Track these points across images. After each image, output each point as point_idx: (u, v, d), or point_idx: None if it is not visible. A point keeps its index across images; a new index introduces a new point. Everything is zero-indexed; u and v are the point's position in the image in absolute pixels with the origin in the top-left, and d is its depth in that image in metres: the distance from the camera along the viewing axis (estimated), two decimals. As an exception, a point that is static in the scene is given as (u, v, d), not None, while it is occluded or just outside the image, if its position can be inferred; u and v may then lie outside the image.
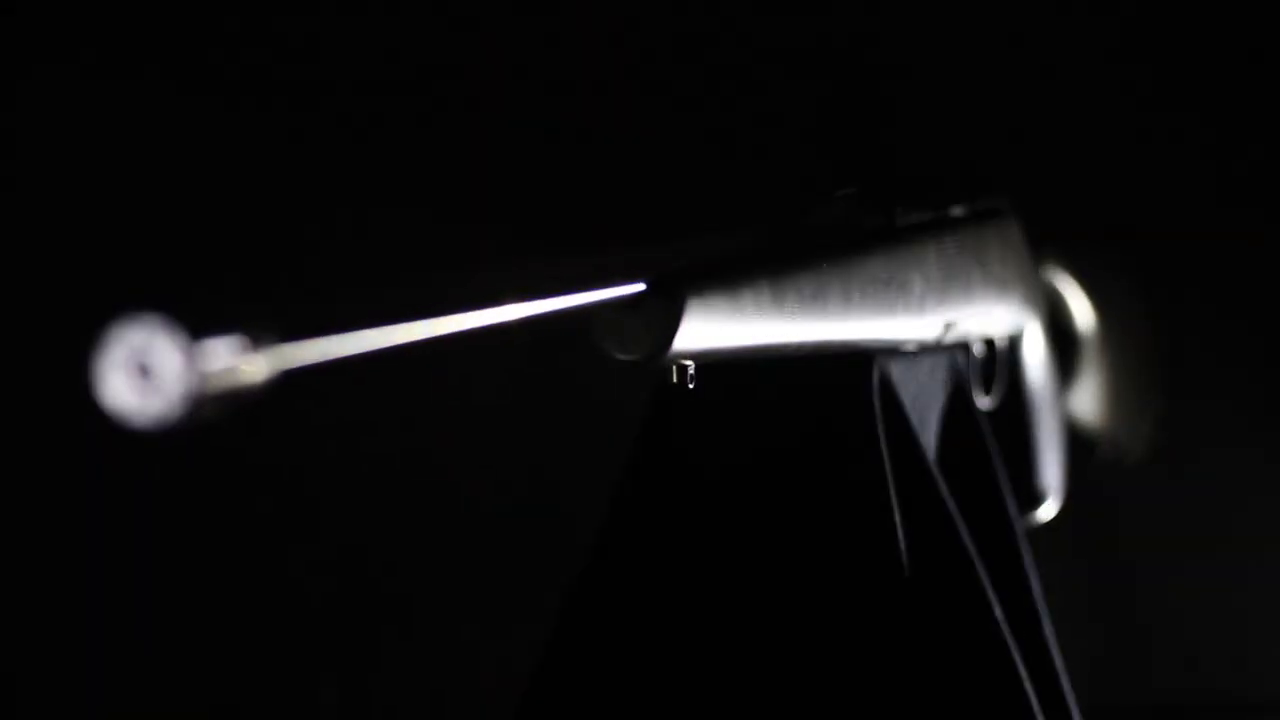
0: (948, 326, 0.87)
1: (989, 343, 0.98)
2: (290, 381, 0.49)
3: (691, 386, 0.68)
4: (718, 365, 0.70)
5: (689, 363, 0.68)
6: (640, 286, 0.64)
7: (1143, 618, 1.37)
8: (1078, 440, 1.15)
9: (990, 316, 0.94)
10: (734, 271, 0.69)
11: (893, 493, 0.82)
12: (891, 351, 0.84)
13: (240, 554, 1.28)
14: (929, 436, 0.89)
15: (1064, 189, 1.29)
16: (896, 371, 0.85)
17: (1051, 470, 1.07)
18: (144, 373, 0.45)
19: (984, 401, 0.97)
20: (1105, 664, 1.33)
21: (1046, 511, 1.06)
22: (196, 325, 0.46)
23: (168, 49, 1.25)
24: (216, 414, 0.46)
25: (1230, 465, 1.35)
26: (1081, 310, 1.14)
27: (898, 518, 0.82)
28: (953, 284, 0.87)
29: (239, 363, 0.46)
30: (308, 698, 1.30)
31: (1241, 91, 1.32)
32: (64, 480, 1.24)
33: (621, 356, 0.66)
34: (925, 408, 0.89)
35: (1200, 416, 1.33)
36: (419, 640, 1.31)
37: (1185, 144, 1.33)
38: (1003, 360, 0.99)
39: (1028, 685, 0.84)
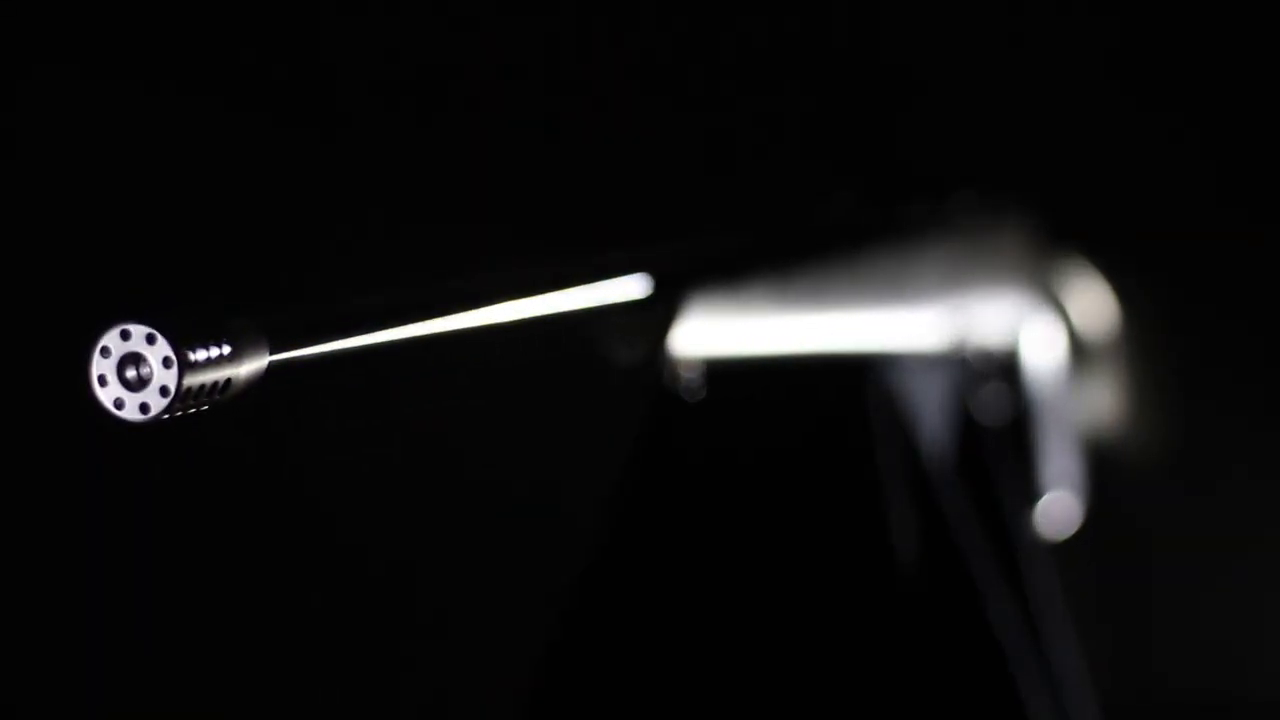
0: (952, 327, 0.87)
1: (994, 344, 0.98)
2: (289, 382, 0.49)
3: (693, 387, 0.68)
4: (719, 366, 0.70)
5: (690, 363, 0.68)
6: (641, 286, 0.64)
7: (1149, 617, 1.36)
8: (1087, 444, 1.15)
9: (995, 316, 0.94)
10: (736, 271, 0.69)
11: (890, 498, 0.82)
12: (893, 354, 0.84)
13: (240, 554, 1.28)
14: (930, 441, 0.89)
15: (1064, 189, 1.29)
16: (898, 375, 0.85)
17: (1065, 479, 1.06)
18: (138, 373, 0.45)
19: (989, 404, 0.96)
20: (1111, 664, 1.33)
21: (1062, 523, 1.06)
22: (193, 325, 0.46)
23: (168, 49, 1.25)
24: (211, 413, 0.46)
25: (1230, 466, 1.35)
26: (1088, 310, 1.14)
27: (895, 523, 0.82)
28: (957, 284, 0.87)
29: (235, 363, 0.46)
30: (308, 698, 1.30)
31: (1241, 91, 1.32)
32: (64, 480, 1.24)
33: (622, 356, 0.66)
34: (927, 411, 0.89)
35: (1200, 417, 1.33)
36: (419, 640, 1.31)
37: (1185, 144, 1.33)
38: (1008, 362, 0.99)
39: (1021, 689, 0.84)
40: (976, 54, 1.31)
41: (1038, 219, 1.03)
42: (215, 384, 0.46)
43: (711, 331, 0.67)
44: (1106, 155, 1.32)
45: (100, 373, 0.45)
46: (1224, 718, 1.35)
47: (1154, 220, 1.31)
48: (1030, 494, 1.04)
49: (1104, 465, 1.19)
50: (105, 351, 0.45)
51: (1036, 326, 1.03)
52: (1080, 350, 1.13)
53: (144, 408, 0.45)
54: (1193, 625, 1.36)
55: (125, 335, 0.45)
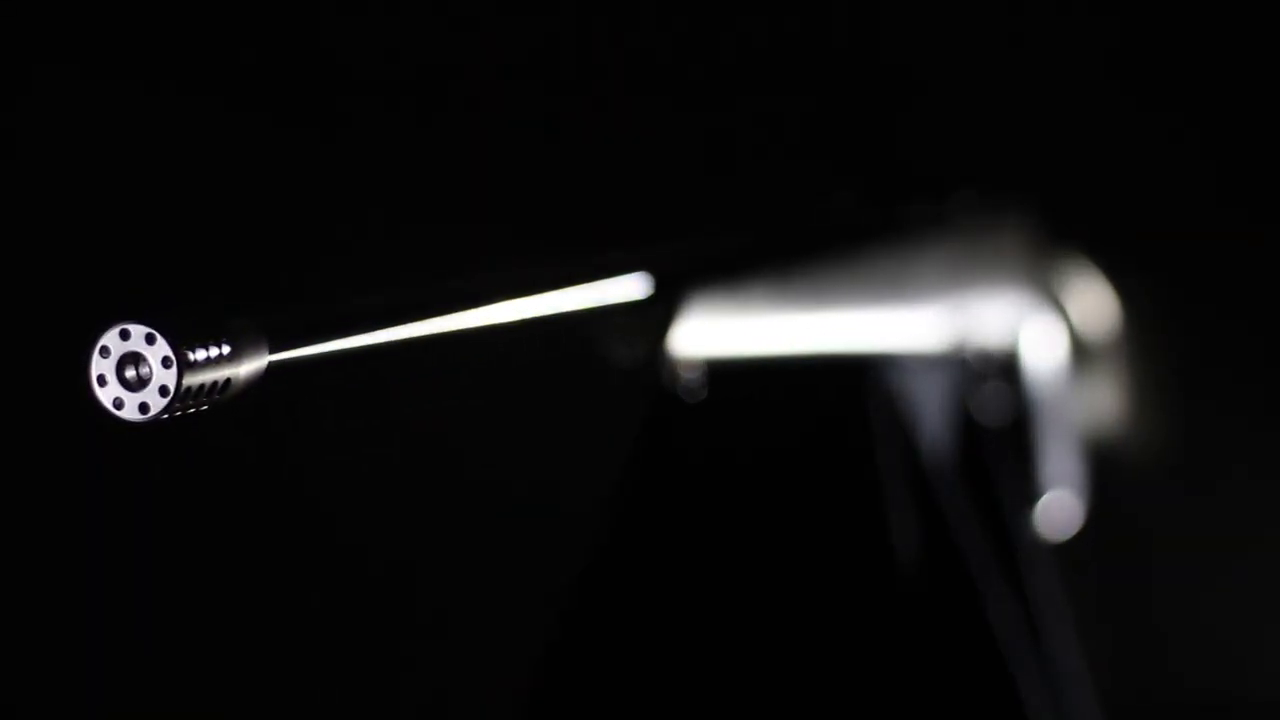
0: (952, 327, 0.87)
1: (994, 344, 0.98)
2: (289, 382, 0.49)
3: (693, 387, 0.68)
4: (720, 366, 0.70)
5: (690, 363, 0.68)
6: (641, 286, 0.64)
7: (1149, 617, 1.36)
8: (1087, 444, 1.15)
9: (995, 316, 0.94)
10: (736, 271, 0.69)
11: (890, 498, 0.82)
12: (893, 355, 0.84)
13: (240, 554, 1.28)
14: (930, 441, 0.89)
15: (1064, 189, 1.29)
16: (898, 375, 0.85)
17: (1065, 479, 1.06)
18: (138, 373, 0.45)
19: (988, 404, 0.96)
20: (1111, 664, 1.33)
21: (1063, 523, 1.06)
22: (193, 325, 0.46)
23: (168, 49, 1.25)
24: (211, 413, 0.46)
25: (1230, 466, 1.35)
26: (1088, 310, 1.14)
27: (895, 523, 0.82)
28: (957, 284, 0.87)
29: (235, 363, 0.46)
30: (308, 698, 1.30)
31: (1241, 91, 1.32)
32: (64, 480, 1.24)
33: (622, 357, 0.66)
34: (927, 411, 0.89)
35: (1200, 417, 1.33)
36: (419, 640, 1.31)
37: (1185, 144, 1.33)
38: (1008, 362, 0.99)
39: (1021, 689, 0.84)
40: (976, 54, 1.31)
41: (1038, 219, 1.03)
42: (215, 384, 0.46)
43: (711, 331, 0.67)
44: (1106, 155, 1.32)
45: (100, 373, 0.45)
46: (1224, 718, 1.35)
47: (1154, 220, 1.31)
48: (1030, 494, 1.04)
49: (1104, 465, 1.18)
50: (105, 351, 0.45)
51: (1036, 326, 1.03)
52: (1080, 350, 1.13)
53: (143, 408, 0.45)
54: (1193, 625, 1.36)
55: (125, 335, 0.45)
